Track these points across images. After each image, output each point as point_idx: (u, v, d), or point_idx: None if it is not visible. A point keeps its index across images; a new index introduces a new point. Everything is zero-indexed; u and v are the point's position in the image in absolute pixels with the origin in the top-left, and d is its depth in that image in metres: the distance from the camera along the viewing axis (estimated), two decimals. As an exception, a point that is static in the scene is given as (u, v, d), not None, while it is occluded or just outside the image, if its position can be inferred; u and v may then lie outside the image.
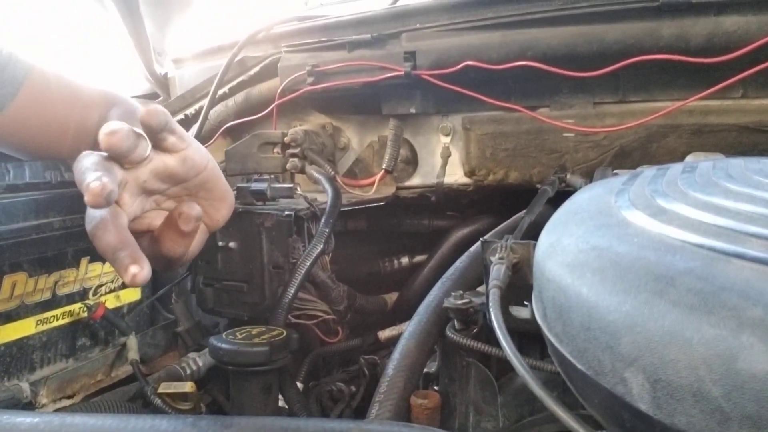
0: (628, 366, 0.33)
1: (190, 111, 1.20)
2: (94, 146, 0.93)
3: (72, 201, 0.86)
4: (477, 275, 0.75)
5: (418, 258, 1.15)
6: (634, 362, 0.33)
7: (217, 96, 1.15)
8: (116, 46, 1.44)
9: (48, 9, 1.47)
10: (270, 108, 1.09)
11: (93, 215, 0.63)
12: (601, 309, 0.35)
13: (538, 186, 0.89)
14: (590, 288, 0.36)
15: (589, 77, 0.87)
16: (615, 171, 0.82)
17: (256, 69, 1.14)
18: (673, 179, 0.48)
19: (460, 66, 0.92)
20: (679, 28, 0.85)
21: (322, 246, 0.83)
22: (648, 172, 0.53)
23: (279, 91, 1.07)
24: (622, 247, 0.37)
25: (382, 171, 1.04)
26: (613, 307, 0.34)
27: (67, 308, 0.85)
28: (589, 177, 0.88)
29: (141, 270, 0.58)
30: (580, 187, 0.83)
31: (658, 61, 0.84)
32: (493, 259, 0.60)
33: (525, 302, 0.63)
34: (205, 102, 1.15)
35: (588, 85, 0.93)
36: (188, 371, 0.84)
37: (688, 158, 0.83)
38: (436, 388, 0.68)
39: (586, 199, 0.50)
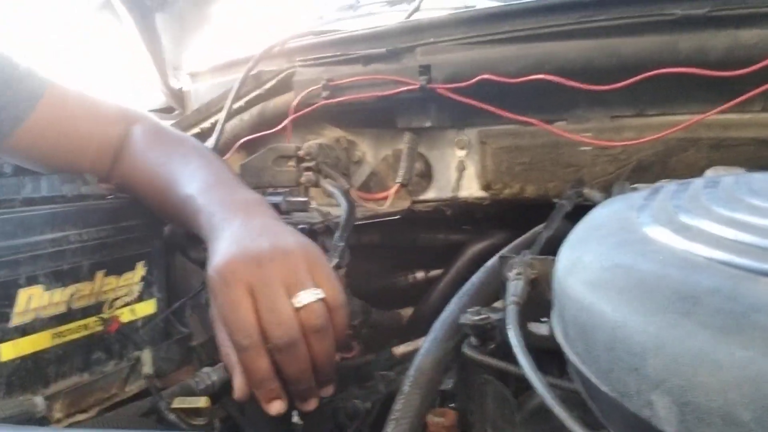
0: (655, 388, 0.32)
1: (206, 125, 1.20)
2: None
3: (88, 215, 0.86)
4: (494, 290, 0.74)
5: (434, 272, 1.14)
6: (661, 384, 0.32)
7: (232, 110, 1.16)
8: (133, 60, 1.46)
9: (65, 24, 1.49)
10: (285, 122, 1.09)
11: (248, 331, 0.64)
12: (625, 329, 0.34)
13: (555, 200, 0.89)
14: (614, 307, 0.36)
15: (606, 90, 0.87)
16: (633, 185, 0.81)
17: (272, 83, 1.14)
18: (695, 194, 0.47)
19: (475, 79, 0.92)
20: (698, 41, 0.84)
21: (336, 260, 0.83)
22: (669, 186, 0.52)
23: (294, 105, 1.08)
24: (646, 265, 0.37)
25: (397, 185, 1.04)
26: (639, 327, 0.33)
27: (83, 322, 0.85)
28: (607, 191, 0.87)
29: (284, 405, 0.67)
30: (598, 202, 0.82)
31: (677, 74, 0.84)
32: (510, 274, 0.60)
33: (543, 318, 0.62)
34: (220, 116, 1.15)
35: (605, 99, 0.92)
36: (202, 386, 0.83)
37: (708, 172, 0.82)
38: (452, 405, 0.67)
39: (606, 214, 0.49)
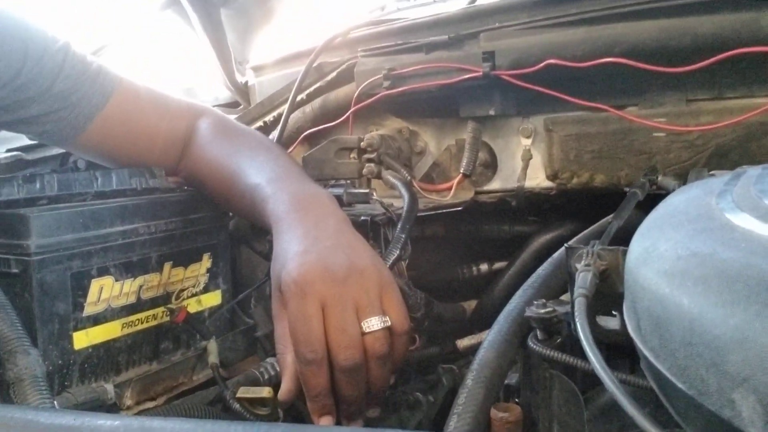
0: (737, 386, 0.30)
1: (269, 118, 1.21)
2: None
3: (156, 207, 0.88)
4: (560, 283, 0.72)
5: (498, 265, 1.11)
6: (744, 382, 0.29)
7: (295, 102, 1.16)
8: (198, 56, 1.49)
9: (132, 23, 1.53)
10: (347, 114, 1.09)
11: (315, 347, 0.66)
12: (705, 322, 0.32)
13: (626, 189, 0.85)
14: (692, 299, 0.33)
15: (681, 73, 0.82)
16: (711, 172, 0.77)
17: (333, 75, 1.14)
18: (782, 179, 0.43)
19: (541, 65, 0.89)
20: (782, 18, 0.78)
21: (398, 252, 0.82)
22: (752, 171, 0.49)
23: (355, 96, 1.07)
24: (727, 253, 0.34)
25: (460, 175, 1.01)
26: (720, 320, 0.31)
27: (151, 312, 0.87)
28: (683, 179, 0.83)
29: (333, 421, 0.68)
30: (673, 190, 0.78)
31: (758, 53, 0.78)
32: (578, 266, 0.57)
33: (613, 312, 0.60)
34: (283, 108, 1.16)
35: (680, 81, 0.88)
36: (266, 376, 0.84)
37: (794, 158, 0.77)
38: (517, 400, 0.65)
39: (683, 201, 0.46)
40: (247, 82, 1.49)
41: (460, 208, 1.04)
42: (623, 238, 0.57)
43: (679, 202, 0.46)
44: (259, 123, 1.21)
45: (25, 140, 1.22)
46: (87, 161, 1.12)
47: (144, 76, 1.02)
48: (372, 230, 0.87)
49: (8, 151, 1.30)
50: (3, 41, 0.83)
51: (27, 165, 1.24)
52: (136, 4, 1.51)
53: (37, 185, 0.80)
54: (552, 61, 0.88)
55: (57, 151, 1.24)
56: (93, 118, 0.92)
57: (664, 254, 0.38)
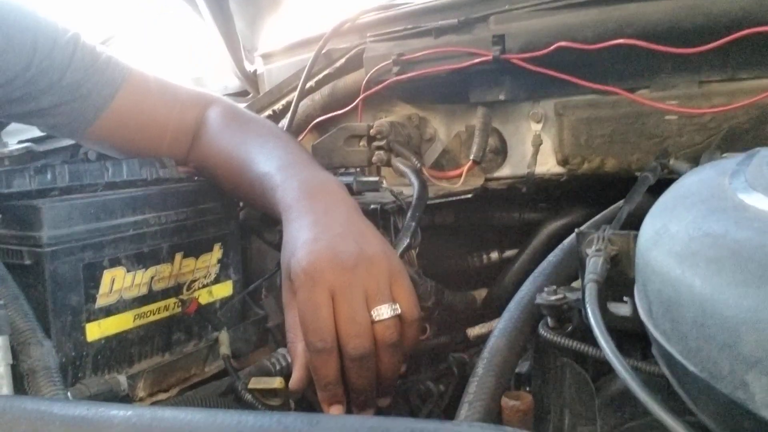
0: (751, 368, 0.29)
1: (278, 106, 1.20)
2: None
3: (166, 197, 0.88)
4: (571, 270, 0.71)
5: (509, 252, 1.11)
6: (758, 364, 0.29)
7: (304, 90, 1.15)
8: (207, 45, 1.48)
9: (140, 13, 1.53)
10: (356, 101, 1.08)
11: (324, 336, 0.66)
12: (717, 303, 0.31)
13: (638, 174, 0.84)
14: (705, 280, 0.32)
15: (694, 54, 0.81)
16: (724, 155, 0.76)
17: (342, 61, 1.13)
18: (797, 158, 0.42)
19: (552, 47, 0.88)
20: (797, -4, 0.77)
21: (408, 240, 0.81)
22: (765, 151, 0.48)
23: (364, 82, 1.06)
24: (741, 233, 0.33)
25: (470, 162, 1.00)
26: (733, 301, 0.30)
27: (163, 303, 0.87)
28: (695, 162, 0.82)
29: (343, 410, 0.68)
30: (684, 173, 0.77)
31: (773, 33, 0.77)
32: (589, 251, 0.57)
33: (624, 298, 0.59)
34: (292, 96, 1.15)
35: (693, 63, 0.86)
36: (278, 367, 0.84)
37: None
38: (528, 388, 0.65)
39: (695, 181, 0.45)
40: (256, 71, 1.49)
41: (470, 196, 1.03)
42: (635, 223, 0.56)
43: (691, 182, 0.46)
44: (269, 111, 1.21)
45: (36, 132, 1.22)
46: (97, 152, 1.12)
47: (153, 65, 1.02)
48: (382, 218, 0.86)
49: (19, 142, 1.31)
50: (13, 34, 0.83)
51: (38, 156, 1.25)
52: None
53: (49, 176, 0.80)
54: (562, 43, 0.87)
55: (67, 142, 1.25)
56: (103, 109, 0.92)
57: (675, 235, 0.37)
